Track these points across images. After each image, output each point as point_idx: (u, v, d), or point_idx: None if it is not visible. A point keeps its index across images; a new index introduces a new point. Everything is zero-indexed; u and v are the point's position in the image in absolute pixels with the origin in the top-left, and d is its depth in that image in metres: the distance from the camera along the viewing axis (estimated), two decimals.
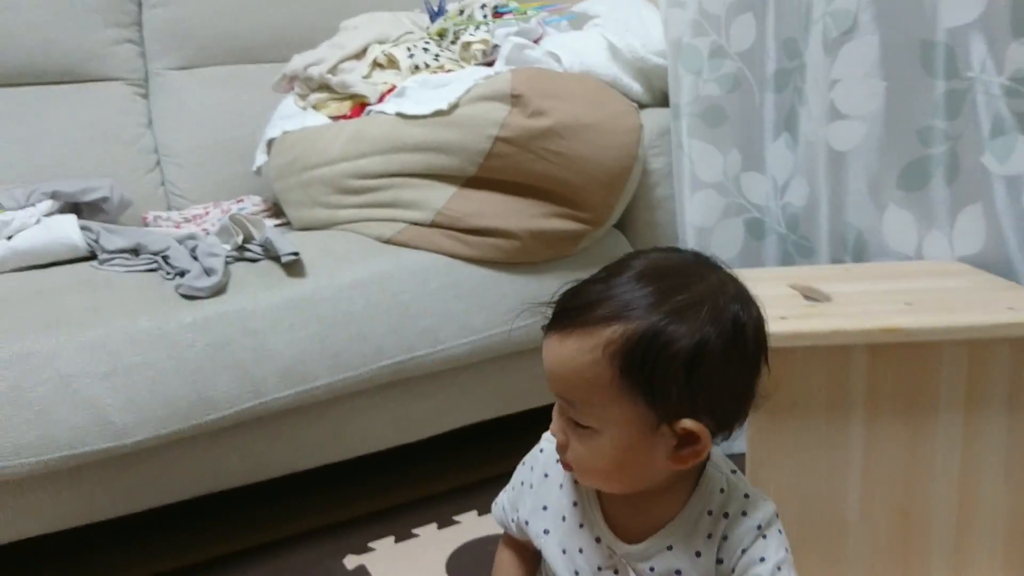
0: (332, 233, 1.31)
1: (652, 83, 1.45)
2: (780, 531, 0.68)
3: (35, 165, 1.55)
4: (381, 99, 1.40)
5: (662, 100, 1.45)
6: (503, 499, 0.78)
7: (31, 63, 1.62)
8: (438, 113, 1.25)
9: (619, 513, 0.68)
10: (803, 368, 0.93)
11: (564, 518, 0.70)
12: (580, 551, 0.69)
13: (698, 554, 0.66)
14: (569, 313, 0.62)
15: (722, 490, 0.67)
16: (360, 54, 1.50)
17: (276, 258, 1.19)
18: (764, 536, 0.66)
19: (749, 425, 0.96)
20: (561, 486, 0.71)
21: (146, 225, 1.54)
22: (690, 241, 1.38)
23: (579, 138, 1.22)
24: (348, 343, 1.16)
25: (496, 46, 1.47)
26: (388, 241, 1.27)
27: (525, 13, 1.55)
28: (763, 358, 0.64)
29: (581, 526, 0.69)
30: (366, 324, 1.18)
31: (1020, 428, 0.94)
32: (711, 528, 0.66)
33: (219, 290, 1.13)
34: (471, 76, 1.31)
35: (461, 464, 1.47)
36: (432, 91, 1.31)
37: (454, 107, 1.25)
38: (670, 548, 0.66)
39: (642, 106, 1.45)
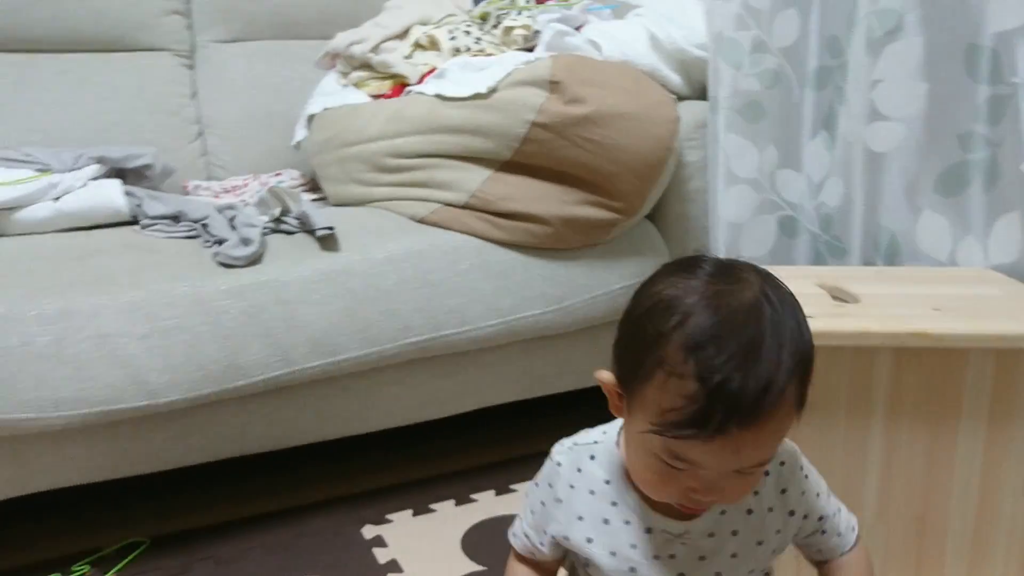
0: (367, 210, 1.34)
1: (691, 75, 1.45)
2: (804, 459, 0.73)
3: (82, 130, 1.59)
4: (421, 80, 1.42)
5: (700, 93, 1.44)
6: (521, 527, 0.76)
7: (82, 31, 1.67)
8: (477, 96, 1.27)
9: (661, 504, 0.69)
10: (826, 367, 0.93)
11: (606, 521, 0.69)
12: (633, 546, 0.69)
13: (750, 511, 0.68)
14: (759, 404, 0.57)
15: None
16: (402, 34, 1.52)
17: (311, 231, 1.21)
18: (806, 475, 0.72)
19: None
20: (592, 492, 0.70)
21: (186, 194, 1.58)
22: (721, 236, 1.38)
23: (615, 127, 1.23)
24: (377, 318, 1.19)
25: (537, 32, 1.48)
26: (421, 220, 1.29)
27: (568, 0, 1.55)
28: None
29: (627, 523, 0.69)
30: (396, 300, 1.20)
31: None
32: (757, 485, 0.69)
33: (255, 260, 1.16)
34: (511, 61, 1.32)
35: (481, 444, 1.49)
36: (472, 74, 1.32)
37: (493, 91, 1.26)
38: (723, 512, 0.68)
39: (680, 98, 1.45)
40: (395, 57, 1.46)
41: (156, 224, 1.25)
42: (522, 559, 0.78)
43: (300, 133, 1.55)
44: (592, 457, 0.71)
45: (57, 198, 1.27)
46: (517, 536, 0.77)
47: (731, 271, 0.62)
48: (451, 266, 1.24)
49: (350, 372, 1.21)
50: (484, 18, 1.58)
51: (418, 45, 1.50)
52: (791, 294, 0.62)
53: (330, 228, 1.19)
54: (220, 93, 1.73)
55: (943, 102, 1.15)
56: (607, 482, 0.69)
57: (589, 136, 1.22)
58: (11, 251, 1.18)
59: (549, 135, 1.23)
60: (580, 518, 0.70)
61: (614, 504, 0.69)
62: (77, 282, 1.09)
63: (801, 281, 1.08)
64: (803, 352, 0.60)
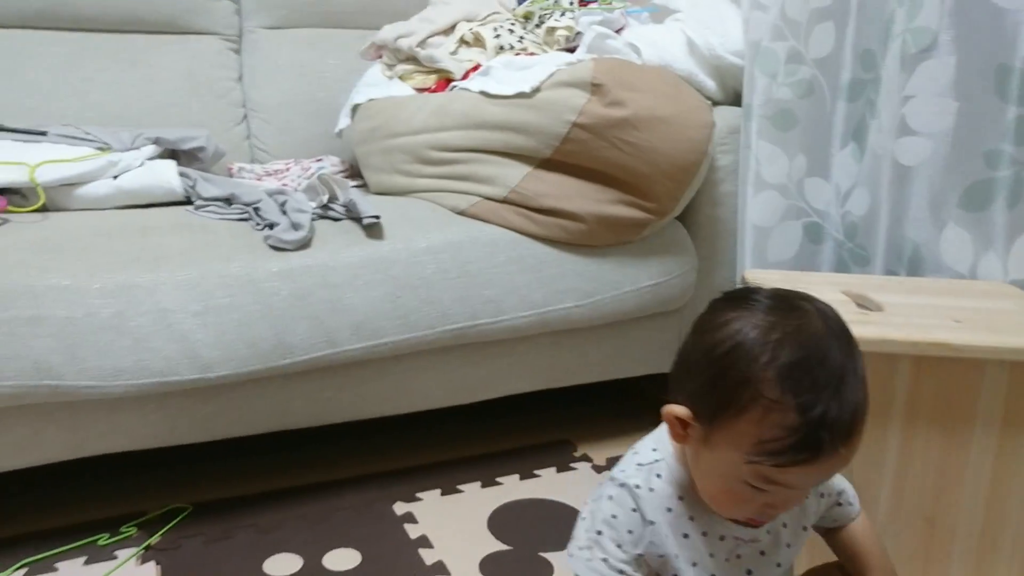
0: (410, 200, 1.39)
1: (726, 81, 1.49)
2: None
3: (133, 109, 1.65)
4: (465, 76, 1.47)
5: (734, 99, 1.48)
6: (599, 558, 0.73)
7: (135, 11, 1.72)
8: (520, 95, 1.31)
9: None
10: None
11: (686, 535, 0.73)
12: (711, 555, 0.75)
13: None
14: (854, 425, 0.65)
15: None
16: (448, 30, 1.56)
17: (357, 219, 1.27)
18: None
19: None
20: (669, 509, 0.73)
21: (231, 175, 1.63)
22: (749, 240, 1.43)
23: (653, 130, 1.27)
24: (417, 305, 1.24)
25: (579, 33, 1.52)
26: (462, 213, 1.34)
27: (610, 3, 1.59)
28: None
29: (704, 534, 0.74)
30: (435, 289, 1.25)
31: None
32: None
33: (304, 244, 1.21)
34: (554, 61, 1.36)
35: (508, 429, 1.55)
36: (516, 72, 1.37)
37: (536, 90, 1.31)
38: None
39: (715, 103, 1.49)
40: (441, 52, 1.51)
41: (209, 205, 1.31)
42: None
43: (344, 121, 1.60)
44: (659, 476, 0.74)
45: (116, 176, 1.32)
46: (604, 560, 0.74)
47: (789, 303, 0.68)
48: (488, 258, 1.29)
49: (389, 356, 1.26)
50: (528, 17, 1.62)
51: (463, 41, 1.54)
52: (837, 315, 0.69)
53: (376, 217, 1.24)
54: (265, 78, 1.78)
55: (972, 120, 1.19)
56: (680, 498, 0.74)
57: (627, 138, 1.27)
58: (73, 226, 1.24)
59: (588, 135, 1.27)
60: (666, 535, 0.74)
61: (691, 519, 0.74)
62: (136, 258, 1.15)
63: (827, 288, 1.13)
64: (863, 369, 0.67)
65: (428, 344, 1.27)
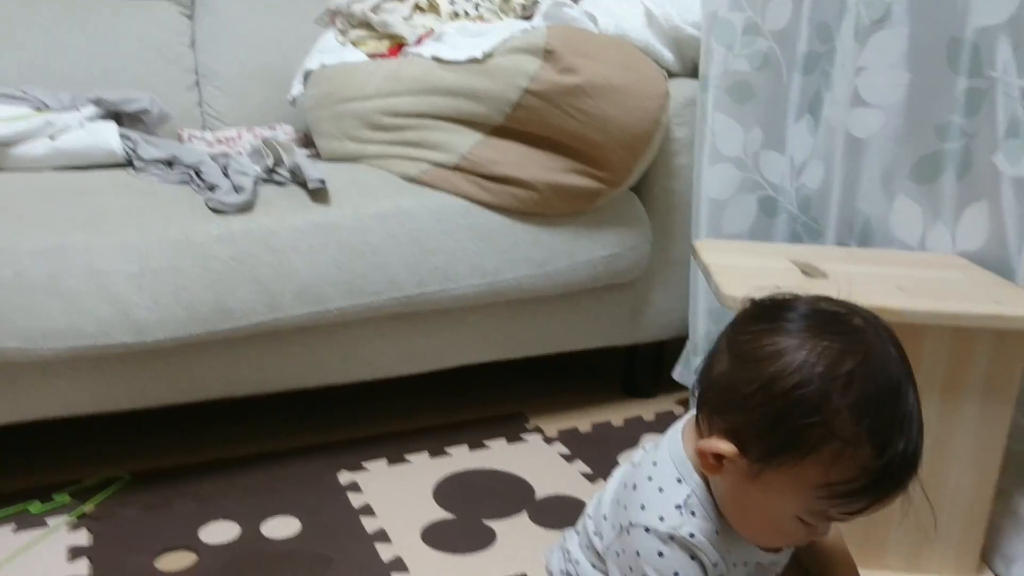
0: (359, 166, 1.36)
1: (684, 53, 1.48)
2: None
3: (80, 72, 1.60)
4: (419, 42, 1.44)
5: (691, 71, 1.47)
6: None
7: None
8: (473, 61, 1.29)
9: None
10: None
11: (735, 565, 0.70)
12: None
13: None
14: (919, 456, 0.61)
15: None
16: None
17: (303, 184, 1.24)
18: None
19: None
20: (717, 532, 0.68)
21: (181, 142, 1.59)
22: (704, 213, 1.42)
23: (607, 98, 1.26)
24: (364, 271, 1.22)
25: (536, 2, 1.50)
26: (412, 180, 1.32)
27: None
28: None
29: (745, 564, 0.72)
30: (382, 255, 1.23)
31: (992, 417, 0.98)
32: None
33: (246, 207, 1.18)
34: (508, 28, 1.34)
35: (460, 401, 1.53)
36: (469, 39, 1.35)
37: (489, 56, 1.29)
38: None
39: (671, 75, 1.48)
40: (395, 18, 1.48)
41: (150, 168, 1.27)
42: None
43: (296, 88, 1.57)
44: (693, 513, 0.68)
45: (54, 137, 1.28)
46: None
47: (841, 320, 0.62)
48: (438, 225, 1.27)
49: (335, 322, 1.24)
50: None
51: (418, 8, 1.51)
52: (887, 326, 0.64)
53: (322, 181, 1.21)
54: (217, 44, 1.74)
55: (923, 92, 1.19)
56: (716, 532, 0.68)
57: (580, 106, 1.25)
58: (7, 186, 1.20)
59: (541, 103, 1.25)
60: (715, 565, 0.69)
61: (729, 551, 0.69)
62: (71, 219, 1.12)
63: (775, 257, 1.12)
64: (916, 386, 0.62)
65: (375, 311, 1.25)
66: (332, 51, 1.52)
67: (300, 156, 1.27)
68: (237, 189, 1.18)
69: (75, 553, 1.07)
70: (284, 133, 1.65)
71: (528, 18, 1.48)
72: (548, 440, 1.40)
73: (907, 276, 1.05)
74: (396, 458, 1.33)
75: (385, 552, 1.08)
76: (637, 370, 1.57)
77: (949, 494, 1.01)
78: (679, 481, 0.69)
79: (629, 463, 0.77)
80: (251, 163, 1.28)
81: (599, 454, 1.34)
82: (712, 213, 1.43)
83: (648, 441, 0.76)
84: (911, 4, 1.18)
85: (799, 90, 1.39)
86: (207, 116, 1.72)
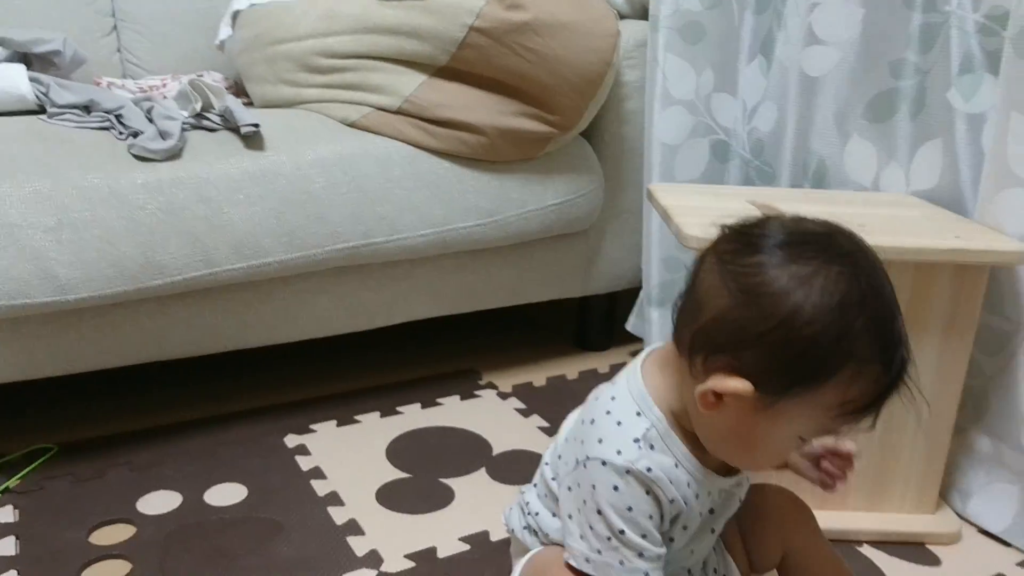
0: (296, 111, 1.28)
1: None
2: None
3: None
4: None
5: (642, 13, 1.43)
6: (637, 546, 0.66)
7: None
8: None
9: (713, 461, 0.70)
10: None
11: (686, 501, 0.69)
12: (711, 512, 0.73)
13: None
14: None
15: None
16: None
17: (235, 129, 1.16)
18: None
19: None
20: (671, 480, 0.67)
21: None
22: (656, 158, 1.39)
23: (555, 37, 1.20)
24: (304, 222, 1.15)
25: None
26: (352, 125, 1.25)
27: None
28: None
29: (709, 494, 0.71)
30: (324, 205, 1.16)
31: (951, 353, 0.98)
32: None
33: (174, 154, 1.10)
34: None
35: (412, 359, 1.48)
36: None
37: None
38: None
39: (622, 16, 1.43)
40: None
41: (65, 113, 1.17)
42: None
43: (224, 31, 1.47)
44: (652, 447, 0.67)
45: None
46: (638, 570, 0.67)
47: (832, 241, 0.62)
48: (382, 173, 1.20)
49: (275, 277, 1.17)
50: None
51: None
52: (863, 239, 0.65)
53: (255, 125, 1.13)
54: None
55: (877, 28, 1.17)
56: (676, 466, 0.68)
57: (528, 45, 1.19)
58: None
59: (487, 41, 1.19)
60: (679, 506, 0.69)
61: (688, 484, 0.68)
62: None
63: (732, 199, 1.09)
64: None
65: (318, 265, 1.18)
66: None
67: (231, 99, 1.18)
68: (163, 135, 1.10)
69: (1, 531, 0.99)
70: (213, 81, 1.54)
71: None
72: (503, 395, 1.36)
73: (865, 215, 1.03)
74: (346, 419, 1.27)
75: (338, 515, 1.04)
76: (590, 323, 1.55)
77: (909, 431, 1.01)
78: (638, 415, 0.68)
79: (585, 402, 0.75)
80: (177, 107, 1.19)
81: (554, 408, 1.31)
82: (664, 159, 1.39)
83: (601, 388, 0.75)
84: None
85: (751, 30, 1.36)
86: (127, 64, 1.60)
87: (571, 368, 1.46)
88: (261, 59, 1.33)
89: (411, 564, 0.95)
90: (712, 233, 0.67)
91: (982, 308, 0.97)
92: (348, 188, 1.17)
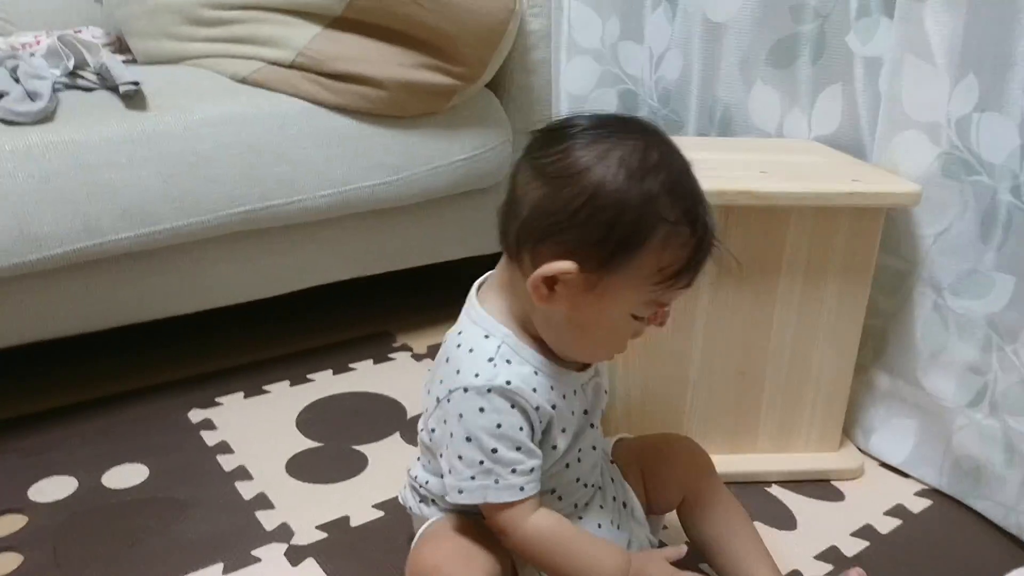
0: (181, 68, 1.21)
1: None
2: None
3: None
4: None
5: None
6: (511, 461, 0.67)
7: None
8: None
9: (568, 363, 0.73)
10: None
11: (554, 406, 0.70)
12: (585, 412, 0.75)
13: None
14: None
15: None
16: None
17: (114, 88, 1.08)
18: None
19: None
20: (534, 389, 0.68)
21: None
22: (564, 108, 1.36)
23: None
24: (195, 185, 1.08)
25: None
26: (243, 80, 1.18)
27: None
28: None
29: (575, 392, 0.73)
30: (216, 167, 1.10)
31: (851, 295, 1.00)
32: None
33: (45, 117, 1.02)
34: None
35: (322, 325, 1.44)
36: None
37: None
38: None
39: None
40: None
41: None
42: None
43: None
44: (508, 362, 0.68)
45: None
46: (524, 488, 0.67)
47: (622, 122, 0.67)
48: (278, 131, 1.15)
49: (169, 245, 1.11)
50: None
51: None
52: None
53: (135, 83, 1.06)
54: None
55: None
56: (536, 372, 0.69)
57: None
58: None
59: None
60: (552, 406, 0.70)
61: (552, 388, 0.70)
62: None
63: None
64: None
65: (214, 230, 1.12)
66: None
67: (108, 56, 1.10)
68: (32, 96, 1.01)
69: None
70: (93, 37, 1.44)
71: None
72: (417, 357, 1.34)
73: (768, 161, 1.04)
74: (253, 390, 1.23)
75: (247, 490, 1.00)
76: None
77: (813, 373, 1.03)
78: (486, 337, 0.70)
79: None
80: (47, 65, 1.10)
81: None
82: (572, 109, 1.37)
83: None
84: None
85: None
86: None
87: None
88: (142, 12, 1.24)
89: (323, 535, 0.92)
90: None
91: (879, 249, 0.99)
92: (241, 148, 1.11)
